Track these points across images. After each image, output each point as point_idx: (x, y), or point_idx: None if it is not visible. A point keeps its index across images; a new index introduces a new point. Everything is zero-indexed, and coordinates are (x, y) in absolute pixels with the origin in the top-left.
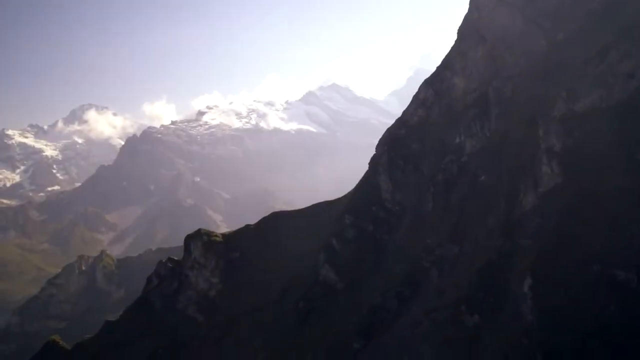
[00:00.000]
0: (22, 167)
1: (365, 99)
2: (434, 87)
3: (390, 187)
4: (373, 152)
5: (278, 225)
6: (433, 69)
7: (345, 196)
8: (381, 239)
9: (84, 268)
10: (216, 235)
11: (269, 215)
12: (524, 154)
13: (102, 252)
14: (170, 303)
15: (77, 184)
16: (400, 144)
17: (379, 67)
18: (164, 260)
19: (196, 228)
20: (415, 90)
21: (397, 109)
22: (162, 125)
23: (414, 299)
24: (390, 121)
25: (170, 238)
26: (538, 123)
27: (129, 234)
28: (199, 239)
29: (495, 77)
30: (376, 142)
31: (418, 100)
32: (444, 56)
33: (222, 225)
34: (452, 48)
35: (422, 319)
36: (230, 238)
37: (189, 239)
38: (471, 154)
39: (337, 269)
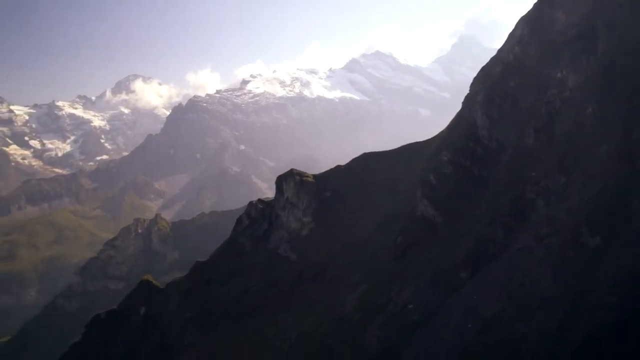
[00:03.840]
0: (72, 137)
1: (409, 66)
2: (531, 24)
3: (487, 123)
4: (417, 119)
5: (369, 165)
6: (479, 34)
7: (437, 136)
8: (480, 174)
9: (140, 231)
10: (307, 176)
11: (360, 156)
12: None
13: (157, 215)
14: (261, 243)
15: (125, 154)
16: (497, 82)
17: (422, 33)
18: (254, 202)
19: (242, 195)
20: (460, 56)
21: (441, 76)
22: (208, 94)
23: (522, 228)
24: (435, 89)
25: (217, 205)
26: None
27: (177, 201)
28: (292, 178)
29: (602, 8)
30: (421, 109)
31: (514, 38)
32: (492, 20)
33: (268, 192)
34: None
35: (534, 246)
36: (321, 178)
37: (282, 179)
38: (574, 87)
39: (435, 204)
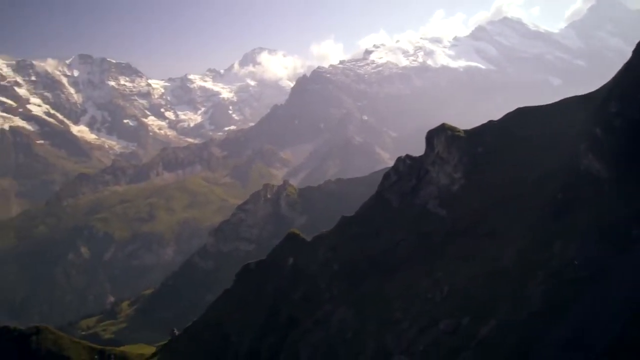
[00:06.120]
0: (203, 109)
1: (539, 32)
2: None
3: None
4: (548, 89)
5: (524, 120)
6: None
7: (601, 88)
8: None
9: (269, 196)
10: (459, 131)
11: (514, 111)
12: None
13: (285, 181)
14: (408, 199)
15: (251, 124)
16: None
17: None
18: (402, 157)
19: (365, 165)
20: (598, 20)
21: (575, 42)
22: (331, 65)
23: None
24: (568, 56)
25: (340, 174)
26: None
27: (301, 170)
28: (443, 133)
29: None
30: (551, 78)
31: None
32: None
33: (390, 162)
34: None
35: None
36: (473, 133)
37: (432, 133)
38: None
39: (602, 158)
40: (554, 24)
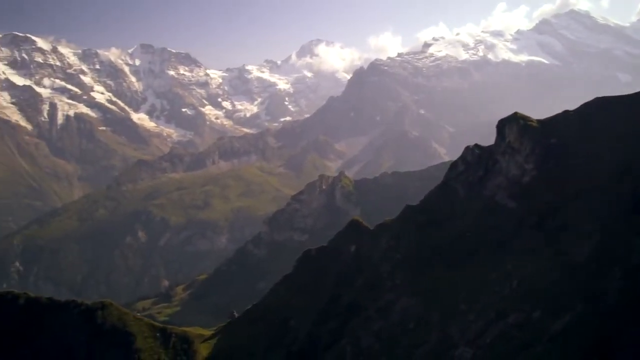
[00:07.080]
0: (259, 100)
1: (608, 26)
2: None
3: None
4: (615, 85)
5: (602, 110)
6: None
7: None
8: None
9: (324, 187)
10: (532, 120)
11: (592, 100)
12: None
13: (341, 173)
14: (475, 189)
15: (306, 115)
16: None
17: None
18: (470, 146)
19: (421, 159)
20: None
21: None
22: (389, 58)
23: None
24: (639, 51)
25: (395, 167)
26: None
27: (355, 162)
28: (515, 122)
29: None
30: (620, 74)
31: None
32: None
33: (446, 157)
34: None
35: None
36: (547, 123)
37: (504, 122)
38: None
39: None
40: (625, 17)
